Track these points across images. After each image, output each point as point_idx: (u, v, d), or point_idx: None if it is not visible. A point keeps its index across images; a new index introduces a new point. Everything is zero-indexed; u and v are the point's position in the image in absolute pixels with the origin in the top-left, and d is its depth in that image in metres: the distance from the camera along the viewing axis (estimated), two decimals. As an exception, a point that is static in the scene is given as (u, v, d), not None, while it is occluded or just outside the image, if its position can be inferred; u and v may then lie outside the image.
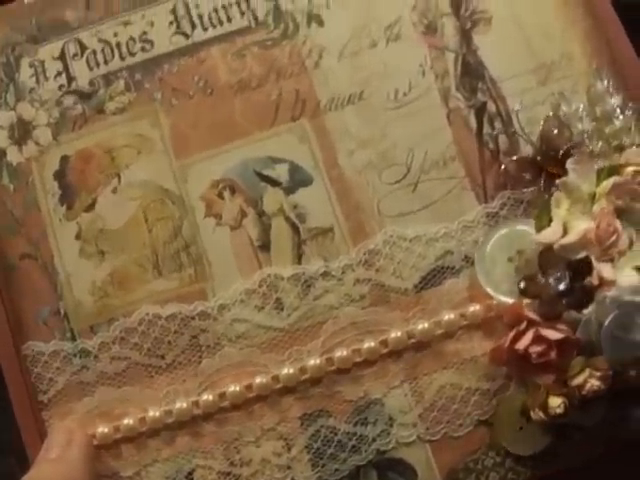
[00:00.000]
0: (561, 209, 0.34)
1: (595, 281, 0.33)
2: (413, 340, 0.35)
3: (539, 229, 0.34)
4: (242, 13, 0.38)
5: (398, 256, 0.35)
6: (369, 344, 0.35)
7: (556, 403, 0.34)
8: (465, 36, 0.38)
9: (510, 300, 0.34)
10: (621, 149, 0.36)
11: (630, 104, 0.37)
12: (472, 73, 0.37)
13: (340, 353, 0.35)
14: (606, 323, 0.33)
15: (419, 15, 0.38)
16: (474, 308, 0.35)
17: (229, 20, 0.38)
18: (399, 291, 0.35)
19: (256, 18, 0.38)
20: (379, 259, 0.35)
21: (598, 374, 0.33)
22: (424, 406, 0.35)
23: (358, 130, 0.37)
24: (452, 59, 0.38)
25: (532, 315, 0.33)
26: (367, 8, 0.38)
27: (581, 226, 0.34)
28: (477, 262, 0.35)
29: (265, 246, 0.36)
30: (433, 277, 0.35)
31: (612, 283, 0.33)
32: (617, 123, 0.37)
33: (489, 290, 0.35)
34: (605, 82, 0.38)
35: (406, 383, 0.35)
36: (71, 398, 0.35)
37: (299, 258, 0.35)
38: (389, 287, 0.35)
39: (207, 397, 0.35)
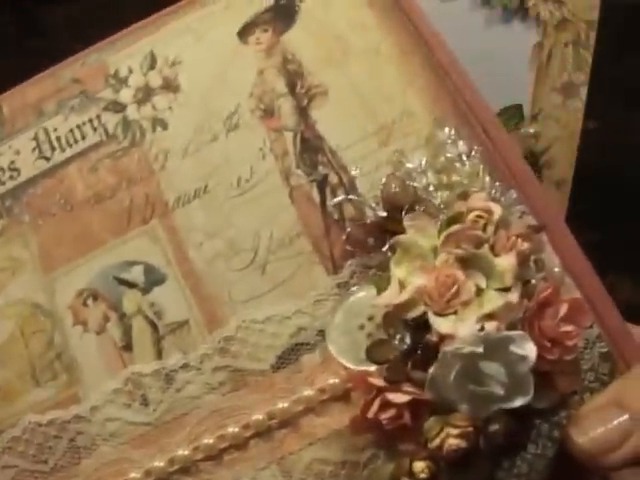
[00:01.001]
0: (400, 268, 0.34)
1: (434, 337, 0.33)
2: (275, 420, 0.35)
3: (380, 292, 0.35)
4: (94, 129, 0.40)
5: (252, 339, 0.36)
6: (233, 429, 0.35)
7: (420, 468, 0.33)
8: (302, 113, 0.39)
9: (360, 368, 0.34)
10: (466, 197, 0.37)
11: (475, 148, 0.38)
12: (311, 148, 0.39)
13: (206, 441, 0.36)
14: (451, 379, 0.32)
15: (256, 101, 0.40)
16: (332, 381, 0.35)
17: (83, 138, 0.40)
18: (257, 373, 0.36)
19: (107, 132, 0.40)
20: (234, 344, 0.36)
21: (456, 432, 0.33)
22: (294, 484, 0.35)
23: (205, 223, 0.38)
24: (291, 138, 0.39)
25: (375, 381, 0.33)
26: (206, 104, 0.40)
27: (415, 283, 0.34)
28: (328, 334, 0.35)
29: (128, 346, 0.37)
30: (289, 355, 0.36)
31: (451, 337, 0.33)
32: (464, 170, 0.37)
33: (343, 361, 0.35)
34: (447, 130, 0.38)
35: (273, 464, 0.35)
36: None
37: (159, 353, 0.37)
38: (246, 371, 0.36)
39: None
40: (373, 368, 0.34)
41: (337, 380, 0.35)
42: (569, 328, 0.34)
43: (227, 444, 0.35)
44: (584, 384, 0.35)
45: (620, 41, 0.53)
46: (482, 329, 0.32)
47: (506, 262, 0.34)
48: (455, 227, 0.34)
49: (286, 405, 0.35)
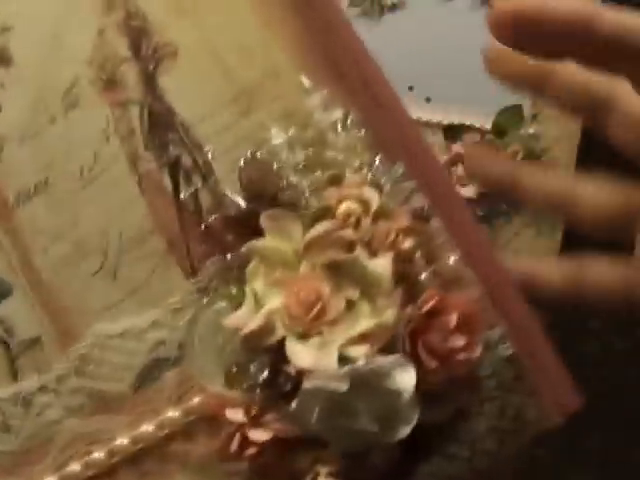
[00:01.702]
0: (257, 282, 0.29)
1: (292, 371, 0.28)
2: (141, 445, 0.32)
3: (235, 308, 0.30)
4: None
5: (108, 357, 0.32)
6: (98, 455, 0.32)
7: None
8: (149, 81, 0.33)
9: (225, 394, 0.30)
10: (337, 181, 0.30)
11: (351, 116, 0.31)
12: (161, 124, 0.32)
13: (72, 468, 0.32)
14: (315, 416, 0.28)
15: (97, 69, 0.33)
16: (196, 401, 0.31)
17: None
18: (117, 395, 0.32)
19: (-61, 118, 0.35)
20: (90, 363, 0.32)
21: (327, 469, 0.29)
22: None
23: (48, 222, 0.33)
24: (137, 114, 0.33)
25: (234, 416, 0.29)
26: (42, 77, 0.34)
27: (270, 305, 0.29)
28: (187, 350, 0.31)
29: (-18, 368, 0.34)
30: (149, 373, 0.32)
31: (310, 371, 0.28)
32: (338, 142, 0.31)
33: (204, 382, 0.31)
34: (318, 94, 0.31)
35: (144, 492, 0.32)
36: None
37: (15, 375, 0.33)
38: (106, 393, 0.32)
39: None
40: (228, 396, 0.30)
41: (201, 400, 0.31)
42: (460, 342, 0.28)
43: (94, 471, 0.32)
44: (484, 394, 0.30)
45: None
46: (346, 360, 0.27)
47: (382, 267, 0.28)
48: (318, 229, 0.29)
49: (150, 429, 0.31)
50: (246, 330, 0.28)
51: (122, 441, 0.32)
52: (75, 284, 0.33)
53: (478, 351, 0.29)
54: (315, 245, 0.29)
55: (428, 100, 0.58)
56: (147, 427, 0.32)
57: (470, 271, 0.30)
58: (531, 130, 0.53)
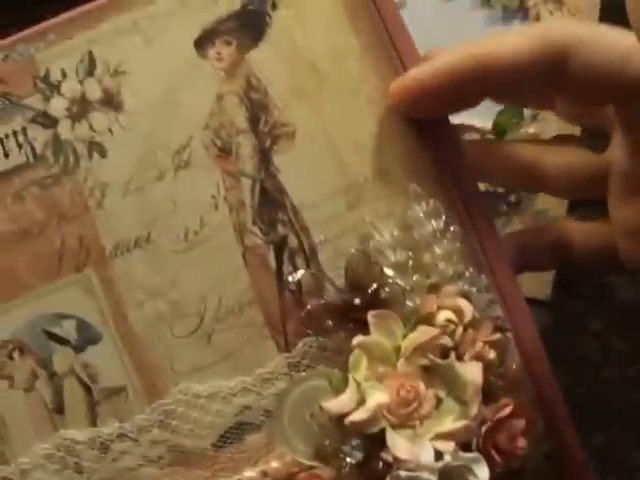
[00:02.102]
0: (359, 372, 0.32)
1: (390, 458, 0.31)
2: (214, 499, 0.34)
3: (335, 392, 0.32)
4: (19, 146, 0.34)
5: (193, 415, 0.34)
6: (170, 505, 0.34)
7: None
8: (264, 157, 0.34)
9: (308, 462, 0.33)
10: (436, 289, 0.33)
11: (452, 228, 0.34)
12: (271, 202, 0.34)
13: (142, 514, 0.34)
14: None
15: (212, 135, 0.34)
16: (276, 465, 0.34)
17: (6, 156, 0.34)
18: (197, 451, 0.34)
19: (34, 151, 0.34)
20: (174, 419, 0.34)
21: None
22: None
23: (146, 278, 0.34)
24: (249, 186, 0.34)
25: (326, 492, 0.32)
26: (153, 131, 0.34)
27: (375, 398, 0.31)
28: (275, 418, 0.33)
29: (59, 408, 0.34)
30: (232, 434, 0.34)
31: (407, 461, 0.31)
32: (437, 250, 0.34)
33: (289, 451, 0.33)
34: (424, 203, 0.34)
35: (211, 542, 0.35)
36: None
37: (94, 420, 0.34)
38: (187, 447, 0.34)
39: None
40: (318, 470, 0.32)
41: (280, 464, 0.34)
42: (524, 444, 0.33)
43: (165, 518, 0.34)
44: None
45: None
46: (440, 456, 0.31)
47: (471, 374, 0.32)
48: (423, 335, 0.31)
49: (226, 486, 0.34)
50: (352, 418, 0.31)
51: (197, 494, 0.34)
52: (167, 342, 0.34)
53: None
54: (418, 348, 0.32)
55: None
56: (224, 484, 0.34)
57: (526, 376, 0.34)
58: (531, 130, 0.53)
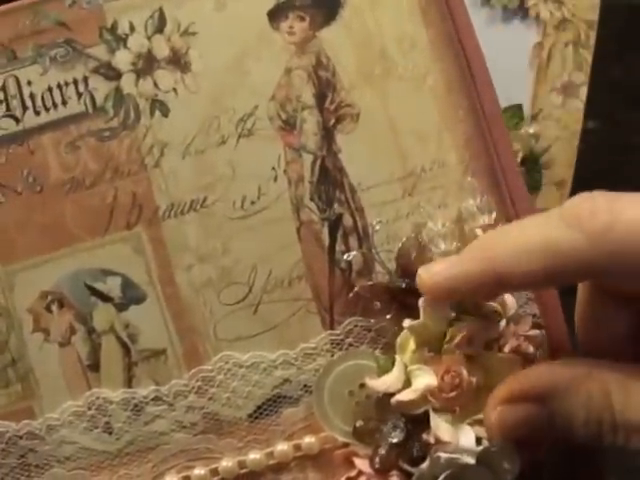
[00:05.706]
0: (406, 354, 0.32)
1: (431, 439, 0.32)
2: (245, 470, 0.34)
3: (380, 372, 0.33)
4: (79, 95, 0.34)
5: (233, 384, 0.34)
6: (199, 471, 0.34)
7: None
8: (327, 135, 0.34)
9: (344, 439, 0.33)
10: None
11: (500, 225, 0.35)
12: (330, 180, 0.34)
13: (169, 479, 0.34)
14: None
15: (277, 107, 0.34)
16: (309, 440, 0.34)
17: (64, 103, 0.34)
18: (232, 420, 0.34)
19: (94, 102, 0.34)
20: (213, 386, 0.34)
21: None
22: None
23: (198, 243, 0.34)
24: (309, 162, 0.34)
25: (362, 466, 0.32)
26: (219, 95, 0.34)
27: (423, 380, 0.32)
28: (315, 393, 0.33)
29: (94, 366, 0.34)
30: (269, 406, 0.34)
31: (447, 443, 0.32)
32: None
33: (327, 428, 0.33)
34: (478, 199, 0.35)
35: (235, 513, 0.34)
36: None
37: (130, 380, 0.34)
38: (222, 416, 0.34)
39: (33, 515, 0.34)
40: (355, 447, 0.33)
41: (314, 439, 0.34)
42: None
43: (191, 486, 0.34)
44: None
45: (620, 41, 0.52)
46: (479, 441, 0.32)
47: (510, 366, 0.33)
48: (474, 326, 0.32)
49: (258, 457, 0.34)
50: (400, 398, 0.32)
51: (228, 463, 0.34)
52: (212, 309, 0.34)
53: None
54: (465, 337, 0.33)
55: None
56: (256, 455, 0.34)
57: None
58: (531, 130, 0.52)
